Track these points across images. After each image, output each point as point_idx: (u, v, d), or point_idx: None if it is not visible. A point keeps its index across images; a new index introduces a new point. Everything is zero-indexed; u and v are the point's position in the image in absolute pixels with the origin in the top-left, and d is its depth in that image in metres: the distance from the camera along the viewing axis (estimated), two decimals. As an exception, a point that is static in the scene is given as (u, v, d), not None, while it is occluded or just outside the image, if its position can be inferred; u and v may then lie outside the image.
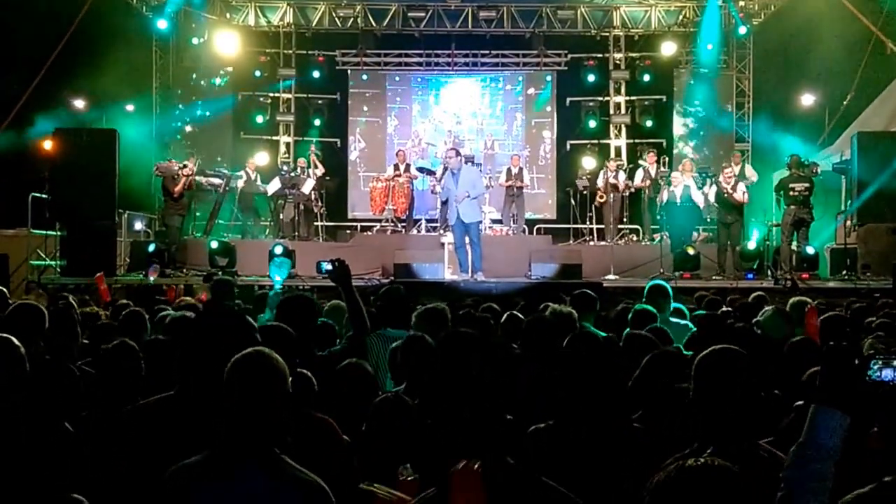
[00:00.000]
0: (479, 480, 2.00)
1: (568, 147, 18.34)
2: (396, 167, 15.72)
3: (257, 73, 17.88)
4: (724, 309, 6.97)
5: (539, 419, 3.04)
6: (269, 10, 18.18)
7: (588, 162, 16.75)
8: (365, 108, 18.55)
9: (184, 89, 17.35)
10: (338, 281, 4.63)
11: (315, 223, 15.71)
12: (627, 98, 18.13)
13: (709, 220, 14.55)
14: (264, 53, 18.05)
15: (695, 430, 2.80)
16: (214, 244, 13.31)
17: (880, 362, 2.08)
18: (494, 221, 15.76)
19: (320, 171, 15.59)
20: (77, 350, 4.71)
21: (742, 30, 16.81)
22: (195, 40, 17.37)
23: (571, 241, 15.81)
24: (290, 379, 2.52)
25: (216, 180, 14.94)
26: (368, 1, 17.77)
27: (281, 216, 15.10)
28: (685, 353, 4.30)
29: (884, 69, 14.75)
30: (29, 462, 2.76)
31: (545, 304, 5.49)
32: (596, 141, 18.08)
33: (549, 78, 18.40)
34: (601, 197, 15.24)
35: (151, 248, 12.98)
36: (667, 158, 16.30)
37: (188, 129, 17.13)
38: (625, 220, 15.97)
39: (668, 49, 17.44)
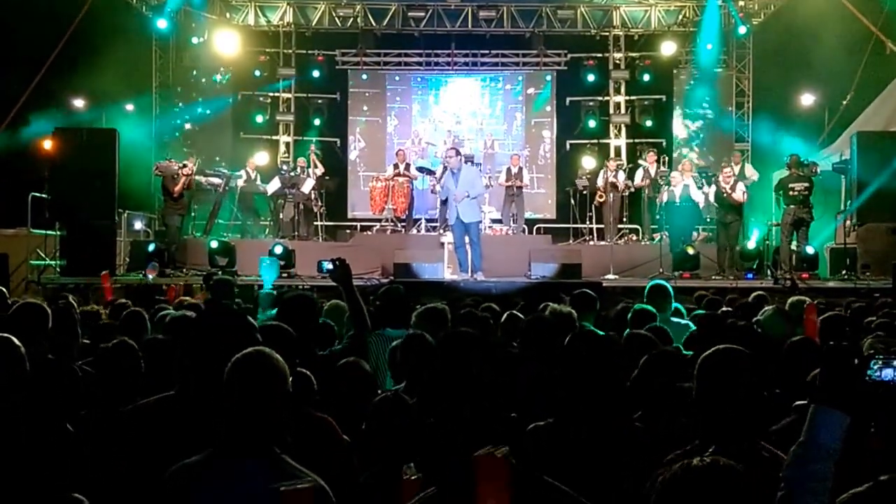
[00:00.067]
0: (505, 468, 2.00)
1: (568, 147, 18.34)
2: (396, 167, 15.72)
3: (257, 73, 17.87)
4: (724, 309, 6.96)
5: (538, 418, 3.04)
6: (268, 9, 18.18)
7: (588, 162, 16.75)
8: (365, 108, 18.54)
9: (184, 89, 17.35)
10: (339, 280, 4.63)
11: (315, 223, 15.72)
12: (627, 98, 18.13)
13: (708, 219, 14.56)
14: (264, 53, 18.05)
15: (695, 429, 2.81)
16: (214, 244, 13.31)
17: (880, 362, 2.08)
18: (494, 221, 15.76)
19: (320, 170, 15.59)
20: (77, 349, 4.71)
21: (742, 30, 16.81)
22: (195, 40, 17.37)
23: (571, 241, 15.81)
24: (290, 379, 2.52)
25: (216, 180, 14.94)
26: (368, 1, 17.76)
27: (281, 216, 15.10)
28: (685, 352, 4.31)
29: (884, 69, 14.75)
30: (29, 462, 2.76)
31: (545, 304, 5.49)
32: (596, 141, 18.08)
33: (548, 78, 18.40)
34: (601, 197, 15.24)
35: (151, 247, 12.99)
36: (666, 158, 16.31)
37: (188, 128, 17.13)
38: (624, 219, 15.97)
39: (667, 49, 17.45)
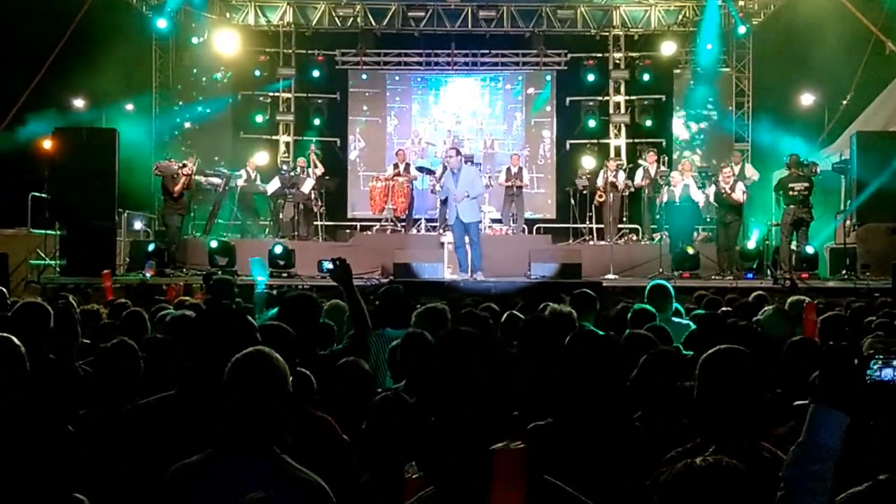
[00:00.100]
0: (522, 461, 2.01)
1: (567, 147, 18.33)
2: (396, 167, 15.72)
3: (257, 73, 17.87)
4: (724, 309, 6.96)
5: (538, 418, 3.04)
6: (268, 9, 18.18)
7: (588, 161, 16.75)
8: (365, 108, 18.54)
9: (184, 88, 17.35)
10: (339, 280, 4.63)
11: (315, 223, 15.72)
12: (627, 98, 18.13)
13: (708, 219, 14.56)
14: (264, 53, 18.04)
15: (695, 428, 2.81)
16: (214, 244, 13.32)
17: (880, 362, 2.08)
18: (494, 221, 15.76)
19: (320, 170, 15.59)
20: (77, 349, 4.71)
21: (742, 29, 16.81)
22: (195, 40, 17.37)
23: (571, 241, 15.81)
24: (291, 379, 2.52)
25: (216, 180, 14.95)
26: (368, 1, 17.76)
27: (280, 216, 15.10)
28: (685, 352, 4.31)
29: (884, 69, 14.75)
30: (30, 462, 2.76)
31: (545, 304, 5.49)
32: (595, 140, 18.07)
33: (548, 77, 18.40)
34: (601, 197, 15.24)
35: (151, 247, 12.99)
36: (666, 158, 16.30)
37: (187, 127, 17.12)
38: (624, 219, 15.97)
39: (667, 49, 17.45)
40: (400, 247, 13.58)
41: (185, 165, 13.47)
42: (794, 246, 12.67)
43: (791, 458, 2.13)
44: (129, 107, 16.42)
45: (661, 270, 12.79)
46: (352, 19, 17.90)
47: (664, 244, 13.61)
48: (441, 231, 14.29)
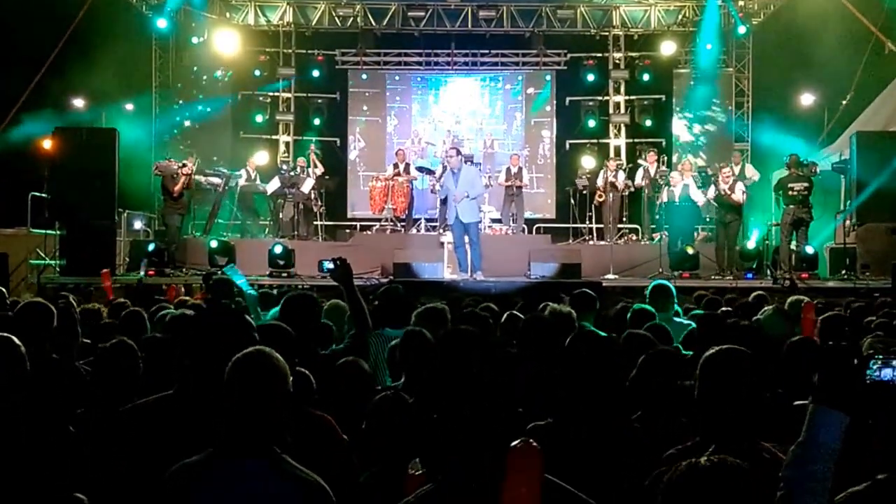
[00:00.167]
0: (539, 458, 2.01)
1: (567, 146, 18.34)
2: (396, 167, 15.72)
3: (257, 73, 17.87)
4: (724, 309, 6.97)
5: (538, 418, 3.05)
6: (268, 9, 18.18)
7: (587, 161, 16.76)
8: (364, 108, 18.55)
9: (184, 86, 17.35)
10: (339, 280, 4.63)
11: (314, 222, 15.72)
12: (627, 98, 18.14)
13: (708, 219, 14.56)
14: (264, 53, 18.05)
15: (694, 428, 2.82)
16: (214, 243, 13.32)
17: (879, 362, 2.08)
18: (494, 221, 15.76)
19: (320, 170, 15.59)
20: (77, 349, 4.71)
21: (741, 29, 16.81)
22: (195, 39, 17.37)
23: (571, 241, 15.81)
24: (291, 378, 2.52)
25: (215, 179, 14.94)
26: (368, 0, 17.77)
27: (280, 215, 15.10)
28: (684, 352, 4.31)
29: (884, 69, 14.76)
30: (31, 461, 2.76)
31: (545, 304, 5.49)
32: (595, 140, 18.08)
33: (548, 77, 18.40)
34: (600, 196, 15.25)
35: (151, 247, 12.98)
36: (665, 158, 16.30)
37: (187, 125, 17.12)
38: (624, 219, 15.97)
39: (667, 49, 17.45)
40: (400, 247, 13.58)
41: (184, 165, 13.47)
42: (793, 246, 12.67)
43: (791, 458, 2.13)
44: (129, 107, 16.43)
45: (660, 270, 12.79)
46: (352, 19, 17.90)
47: (664, 244, 13.61)
48: (441, 231, 14.29)
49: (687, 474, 1.82)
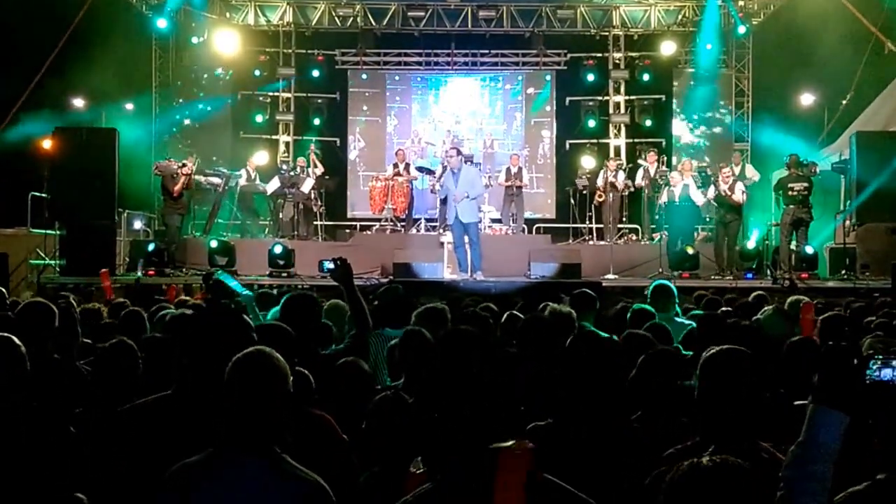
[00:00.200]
0: (528, 461, 2.01)
1: (567, 146, 18.35)
2: (396, 166, 15.72)
3: (257, 73, 17.88)
4: (724, 309, 6.97)
5: (538, 418, 3.05)
6: (268, 9, 18.18)
7: (587, 161, 16.76)
8: (364, 108, 18.55)
9: (183, 88, 17.35)
10: (340, 280, 4.63)
11: (314, 222, 15.72)
12: (627, 97, 18.14)
13: (708, 219, 14.56)
14: (264, 53, 18.05)
15: (694, 428, 2.82)
16: (214, 243, 13.32)
17: (879, 362, 2.08)
18: (494, 221, 15.76)
19: (320, 170, 15.59)
20: (77, 349, 4.71)
21: (741, 29, 16.82)
22: (195, 39, 17.37)
23: (571, 241, 15.80)
24: (291, 378, 2.52)
25: (215, 179, 14.95)
26: (368, 0, 17.77)
27: (280, 215, 15.10)
28: (684, 352, 4.31)
29: (884, 69, 14.76)
30: (31, 461, 2.76)
31: (545, 304, 5.49)
32: (595, 140, 18.08)
33: (548, 77, 18.40)
34: (600, 196, 15.25)
35: (151, 247, 12.98)
36: (665, 158, 16.30)
37: (186, 124, 17.12)
38: (624, 219, 15.97)
39: (667, 49, 17.45)
40: (400, 247, 13.58)
41: (184, 165, 13.47)
42: (793, 246, 12.67)
43: (790, 458, 2.13)
44: (129, 106, 16.43)
45: (660, 270, 12.79)
46: (352, 19, 17.90)
47: (664, 244, 13.61)
48: (441, 231, 14.29)
49: (689, 474, 1.82)
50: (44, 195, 13.13)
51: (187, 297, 8.73)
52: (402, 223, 15.48)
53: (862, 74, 15.05)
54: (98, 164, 12.86)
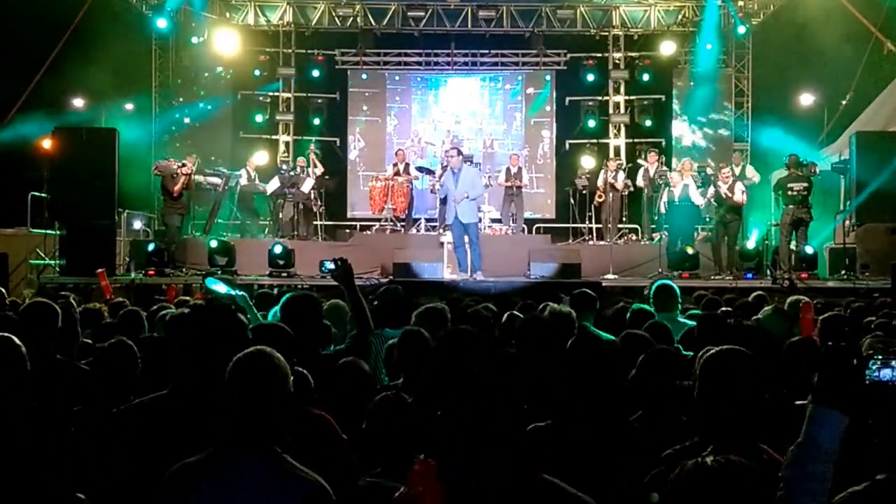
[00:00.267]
0: (433, 478, 2.01)
1: (567, 146, 18.35)
2: (396, 166, 15.73)
3: (257, 73, 17.88)
4: (724, 309, 6.97)
5: (537, 418, 3.05)
6: (268, 9, 18.18)
7: (587, 161, 16.77)
8: (364, 108, 18.55)
9: (184, 82, 17.35)
10: (341, 280, 4.63)
11: (314, 222, 15.72)
12: (627, 98, 18.14)
13: (708, 219, 14.56)
14: (264, 52, 18.05)
15: (694, 427, 2.82)
16: (214, 243, 13.31)
17: (879, 362, 2.08)
18: (493, 221, 15.76)
19: (320, 170, 15.59)
20: (77, 349, 4.72)
21: (741, 29, 16.81)
22: (195, 39, 17.37)
23: (570, 241, 15.81)
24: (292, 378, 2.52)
25: (215, 179, 14.95)
26: (368, 0, 17.77)
27: (280, 215, 15.10)
28: (684, 352, 4.31)
29: (884, 69, 14.76)
30: (31, 461, 2.76)
31: (545, 304, 5.49)
32: (595, 140, 18.08)
33: (548, 77, 18.40)
34: (600, 197, 15.25)
35: (151, 247, 12.98)
36: (664, 158, 16.30)
37: (186, 122, 17.12)
38: (624, 219, 15.97)
39: (667, 49, 17.45)
40: (399, 247, 13.58)
41: (184, 165, 13.47)
42: (793, 246, 12.66)
43: (790, 459, 2.13)
44: (129, 106, 16.43)
45: (660, 270, 12.79)
46: (352, 19, 17.90)
47: (664, 244, 13.61)
48: (441, 231, 14.29)
49: (694, 474, 1.82)
50: (44, 195, 13.13)
51: (187, 297, 8.73)
52: (402, 223, 15.48)
53: (862, 74, 15.05)
54: (98, 164, 12.86)
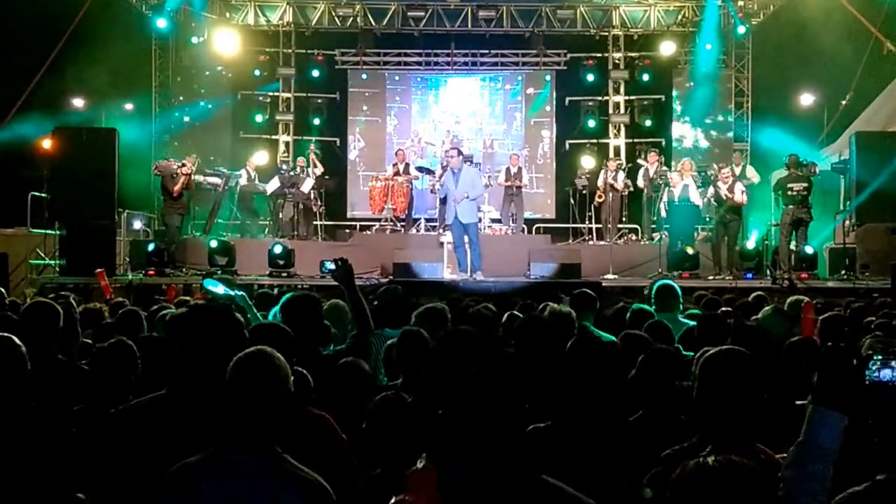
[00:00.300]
0: (433, 482, 2.01)
1: (567, 146, 18.35)
2: (396, 166, 15.73)
3: (257, 73, 17.88)
4: (724, 309, 6.97)
5: (537, 419, 3.05)
6: (268, 9, 18.18)
7: (587, 161, 16.78)
8: (364, 108, 18.55)
9: (183, 88, 17.36)
10: (341, 280, 4.63)
11: (314, 222, 15.72)
12: (626, 98, 18.15)
13: (708, 219, 14.56)
14: (264, 52, 18.05)
15: (693, 427, 2.82)
16: (214, 243, 13.31)
17: (879, 362, 2.09)
18: (493, 221, 15.76)
19: (319, 170, 15.59)
20: (77, 349, 4.71)
21: (741, 29, 16.82)
22: (195, 39, 17.37)
23: (570, 241, 15.81)
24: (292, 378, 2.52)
25: (215, 179, 14.95)
26: (368, 0, 17.77)
27: (280, 215, 15.10)
28: (684, 352, 4.31)
29: (884, 69, 14.76)
30: (31, 461, 2.76)
31: (545, 304, 5.49)
32: (595, 140, 18.09)
33: (548, 77, 18.40)
34: (600, 197, 15.25)
35: (151, 247, 12.98)
36: (663, 158, 16.30)
37: (186, 121, 17.12)
38: (624, 219, 15.97)
39: (667, 49, 17.46)
40: (399, 247, 13.58)
41: (184, 165, 13.47)
42: (793, 246, 12.66)
43: (790, 459, 2.13)
44: (129, 106, 16.44)
45: (660, 270, 12.79)
46: (352, 19, 17.90)
47: (664, 244, 13.61)
48: (441, 231, 14.29)
49: (695, 474, 1.82)
50: (44, 195, 13.12)
51: (187, 298, 8.73)
52: (402, 223, 15.48)
53: (862, 74, 15.05)
54: (98, 164, 12.86)
